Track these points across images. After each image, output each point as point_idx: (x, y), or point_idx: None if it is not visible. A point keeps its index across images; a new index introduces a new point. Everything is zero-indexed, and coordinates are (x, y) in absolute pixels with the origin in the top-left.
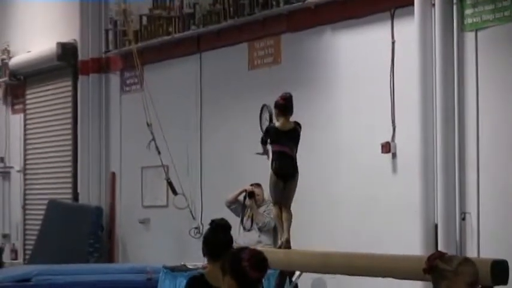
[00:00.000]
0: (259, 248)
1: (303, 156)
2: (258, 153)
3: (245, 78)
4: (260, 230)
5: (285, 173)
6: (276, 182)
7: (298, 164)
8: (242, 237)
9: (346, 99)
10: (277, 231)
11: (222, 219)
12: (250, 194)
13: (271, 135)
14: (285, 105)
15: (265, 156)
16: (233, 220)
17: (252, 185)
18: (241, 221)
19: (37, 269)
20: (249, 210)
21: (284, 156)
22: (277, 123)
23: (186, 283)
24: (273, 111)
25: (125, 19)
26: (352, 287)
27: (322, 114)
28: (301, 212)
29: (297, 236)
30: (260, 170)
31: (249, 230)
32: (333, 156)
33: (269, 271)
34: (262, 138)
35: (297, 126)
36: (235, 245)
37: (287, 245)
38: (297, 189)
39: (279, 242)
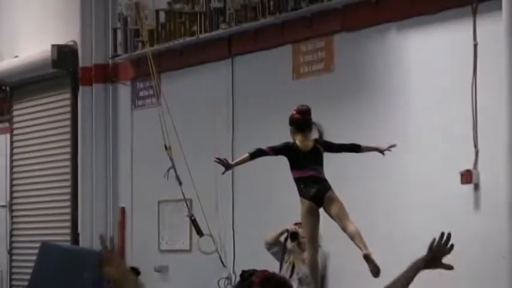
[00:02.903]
0: None
1: (362, 185)
2: (219, 161)
3: (288, 90)
4: (301, 282)
5: (322, 196)
6: (312, 208)
7: (354, 201)
8: None
9: (416, 116)
10: (323, 284)
11: (255, 270)
12: (293, 236)
13: (289, 156)
14: (302, 121)
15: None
16: (275, 267)
17: (296, 224)
18: (280, 268)
19: None
20: (290, 255)
21: (316, 180)
22: (297, 142)
23: None
24: (289, 128)
25: (137, 15)
26: None
27: (387, 134)
28: (360, 260)
29: None
30: None
31: None
32: (400, 187)
33: None
34: (260, 151)
35: (317, 143)
36: None
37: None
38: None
39: None
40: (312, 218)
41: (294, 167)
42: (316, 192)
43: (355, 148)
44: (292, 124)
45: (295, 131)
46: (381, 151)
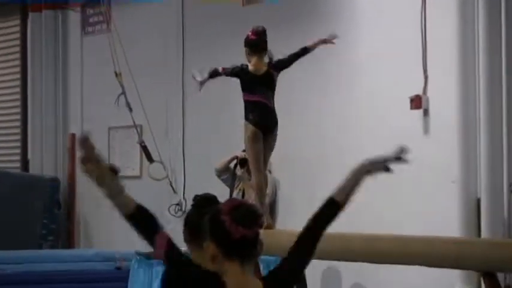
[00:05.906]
0: None
1: (311, 115)
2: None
3: (238, 16)
4: None
5: (266, 124)
6: (256, 134)
7: (304, 127)
8: None
9: (366, 42)
10: (274, 210)
11: (208, 194)
12: (242, 162)
13: (242, 78)
14: (258, 42)
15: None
16: (225, 194)
17: (245, 150)
18: (230, 195)
19: None
20: (240, 182)
21: (264, 107)
22: (250, 66)
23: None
24: (245, 50)
25: None
26: (374, 277)
27: (336, 61)
28: (311, 186)
29: (306, 216)
30: None
31: None
32: (349, 114)
33: (269, 258)
34: (216, 71)
35: (271, 69)
36: None
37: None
38: (306, 158)
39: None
40: (256, 143)
41: (244, 88)
42: (261, 118)
43: (304, 52)
44: (247, 45)
45: (250, 52)
46: (326, 42)
